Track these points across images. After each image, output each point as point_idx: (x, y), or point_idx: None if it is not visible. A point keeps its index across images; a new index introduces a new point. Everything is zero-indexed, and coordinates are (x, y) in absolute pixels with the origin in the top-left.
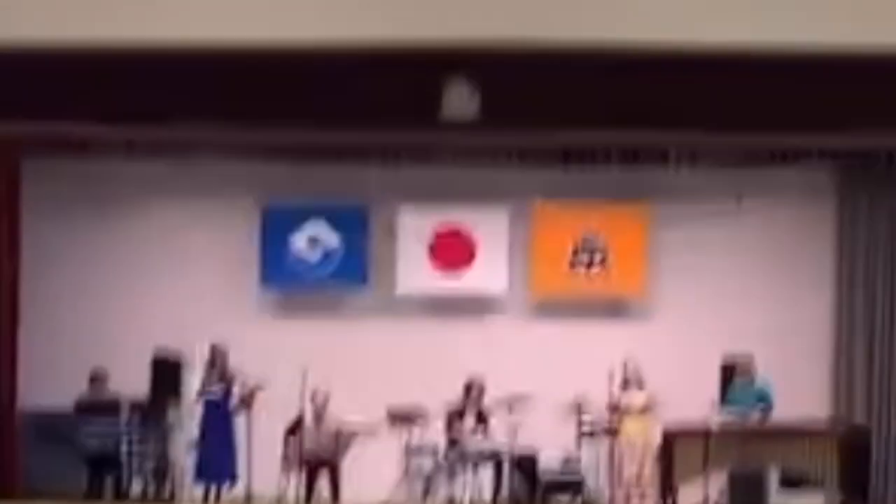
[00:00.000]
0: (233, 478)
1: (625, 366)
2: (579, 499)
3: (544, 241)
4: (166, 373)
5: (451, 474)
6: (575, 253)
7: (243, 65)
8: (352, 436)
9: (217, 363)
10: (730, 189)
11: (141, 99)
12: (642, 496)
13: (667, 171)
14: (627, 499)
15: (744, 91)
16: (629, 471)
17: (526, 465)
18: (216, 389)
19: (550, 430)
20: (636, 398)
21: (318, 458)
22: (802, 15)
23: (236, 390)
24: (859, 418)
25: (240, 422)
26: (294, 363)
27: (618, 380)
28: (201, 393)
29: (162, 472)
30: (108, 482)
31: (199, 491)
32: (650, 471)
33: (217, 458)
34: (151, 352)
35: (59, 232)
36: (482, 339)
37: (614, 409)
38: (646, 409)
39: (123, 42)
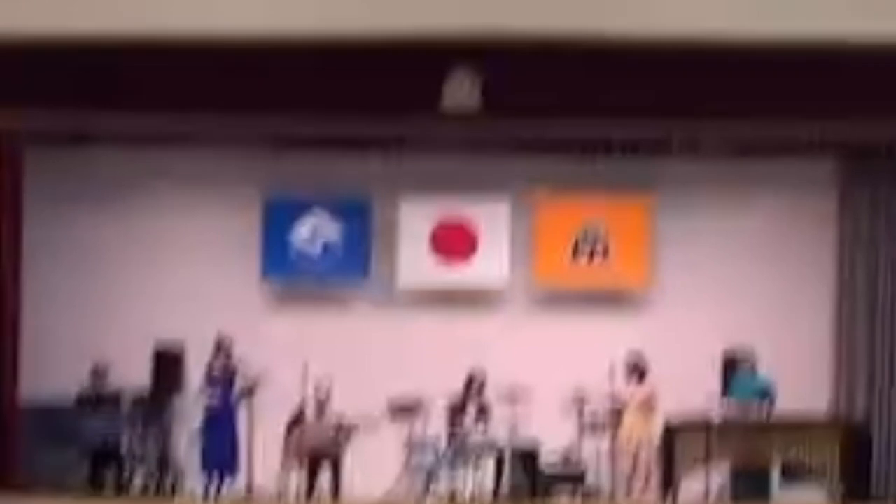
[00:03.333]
0: (235, 470)
1: (629, 358)
2: (580, 492)
3: (546, 232)
4: (168, 365)
5: (453, 468)
6: (577, 244)
7: (245, 55)
8: (353, 429)
9: (221, 354)
10: (732, 180)
11: (143, 90)
12: (644, 489)
13: (669, 162)
14: (629, 491)
15: (745, 82)
16: (630, 463)
17: (527, 457)
18: (219, 378)
19: (552, 423)
20: (639, 391)
21: (319, 451)
22: (804, 5)
23: (239, 382)
24: (861, 411)
25: (241, 414)
26: (295, 356)
27: (621, 372)
28: (206, 382)
29: (163, 465)
30: (110, 476)
31: (200, 484)
32: (651, 463)
33: (220, 451)
34: (153, 344)
35: (62, 222)
36: (483, 332)
37: (616, 401)
38: (648, 402)
39: (126, 33)
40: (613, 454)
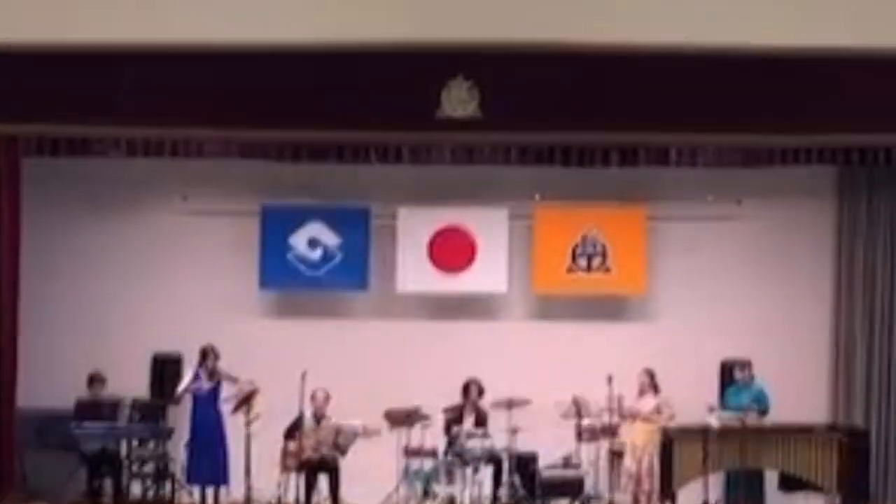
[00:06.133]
0: (224, 480)
1: (644, 372)
2: (579, 499)
3: (544, 240)
4: (166, 373)
5: (451, 475)
6: (575, 253)
7: (243, 64)
8: (351, 436)
9: (207, 364)
10: (730, 189)
11: (141, 99)
12: (646, 496)
13: (667, 171)
14: (631, 498)
15: (743, 91)
16: (630, 471)
17: (525, 465)
18: (204, 388)
19: (550, 430)
20: (648, 403)
21: (317, 459)
22: (802, 16)
23: (226, 390)
24: (859, 419)
25: (232, 424)
26: (293, 364)
27: (635, 384)
28: (186, 390)
29: (162, 472)
30: (108, 483)
31: (197, 492)
32: (652, 471)
33: (207, 460)
34: (151, 352)
35: (60, 230)
36: (482, 340)
37: (615, 408)
38: (655, 414)
39: (124, 43)
40: (612, 462)
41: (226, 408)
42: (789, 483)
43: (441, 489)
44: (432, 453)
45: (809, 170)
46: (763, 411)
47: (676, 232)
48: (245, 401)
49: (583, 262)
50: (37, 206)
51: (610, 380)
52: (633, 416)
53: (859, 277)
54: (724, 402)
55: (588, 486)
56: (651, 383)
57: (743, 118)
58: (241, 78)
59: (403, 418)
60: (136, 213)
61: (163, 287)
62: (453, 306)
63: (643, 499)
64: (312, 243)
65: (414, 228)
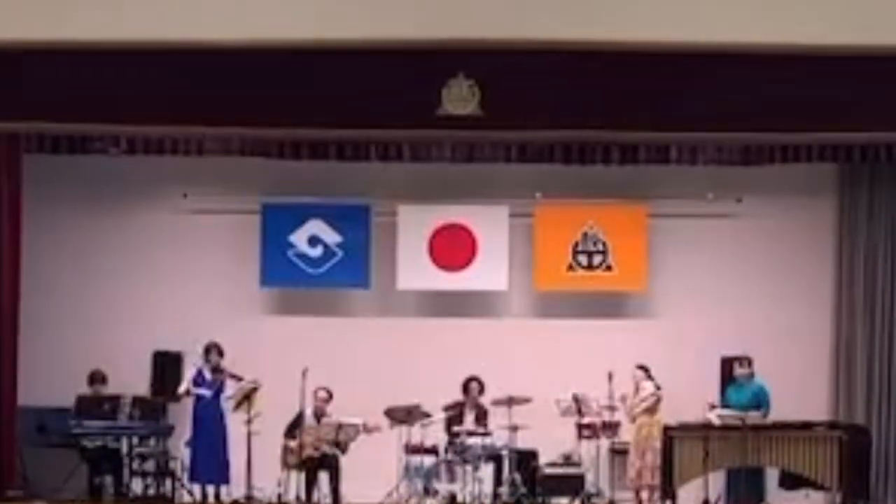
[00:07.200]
0: (225, 477)
1: (639, 364)
2: (579, 496)
3: (545, 238)
4: (167, 370)
5: (451, 472)
6: (575, 250)
7: (244, 62)
8: (352, 434)
9: (210, 361)
10: (730, 187)
11: (142, 96)
12: (648, 492)
13: (667, 169)
14: (635, 494)
15: (743, 89)
16: (632, 466)
17: (526, 462)
18: (209, 382)
19: (550, 428)
20: (645, 396)
21: (318, 456)
22: (803, 13)
23: (229, 388)
24: (860, 416)
25: (234, 422)
26: (294, 361)
27: (629, 379)
28: (193, 385)
29: (162, 470)
30: (109, 481)
31: (198, 490)
32: (653, 467)
33: (209, 458)
34: (151, 350)
35: (60, 228)
36: (482, 337)
37: (615, 404)
38: (654, 407)
39: (125, 40)
40: (613, 458)
41: (228, 405)
42: (790, 481)
43: (442, 487)
44: (433, 451)
45: (810, 167)
46: (764, 413)
47: (677, 229)
48: (246, 398)
49: (583, 260)
50: (37, 203)
51: (610, 377)
52: (631, 408)
53: (860, 274)
54: (724, 400)
55: (588, 484)
56: (647, 376)
57: (743, 115)
58: (241, 76)
59: (404, 416)
60: (136, 210)
61: (163, 285)
62: (454, 304)
63: (645, 494)
64: (313, 241)
65: (414, 226)
